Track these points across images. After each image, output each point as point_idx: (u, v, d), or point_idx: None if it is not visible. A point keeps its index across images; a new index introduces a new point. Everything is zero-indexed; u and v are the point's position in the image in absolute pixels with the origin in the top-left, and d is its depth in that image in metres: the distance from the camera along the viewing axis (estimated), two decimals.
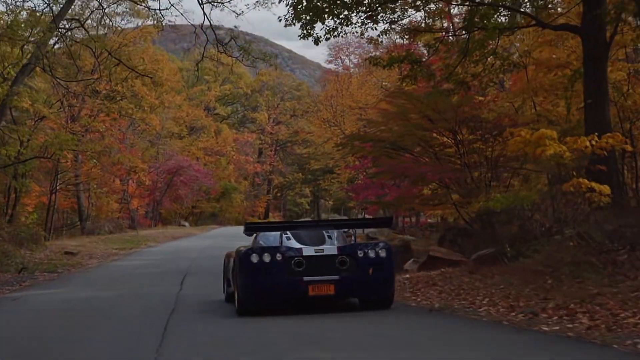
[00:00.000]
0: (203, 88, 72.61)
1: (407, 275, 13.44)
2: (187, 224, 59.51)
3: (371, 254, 9.08)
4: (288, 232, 9.65)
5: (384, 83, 38.20)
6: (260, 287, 8.94)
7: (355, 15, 18.09)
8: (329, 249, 9.18)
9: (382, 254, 9.12)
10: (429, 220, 38.08)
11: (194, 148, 63.90)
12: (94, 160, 36.60)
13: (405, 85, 19.21)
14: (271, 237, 9.99)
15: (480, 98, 19.26)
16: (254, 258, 8.93)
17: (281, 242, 9.33)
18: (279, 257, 8.91)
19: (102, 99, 38.83)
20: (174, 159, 54.04)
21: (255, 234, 10.51)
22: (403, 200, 23.12)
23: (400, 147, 19.83)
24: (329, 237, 9.75)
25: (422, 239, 30.06)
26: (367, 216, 48.05)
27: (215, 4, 24.60)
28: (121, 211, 50.61)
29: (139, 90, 39.66)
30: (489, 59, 17.84)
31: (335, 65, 50.38)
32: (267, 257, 8.91)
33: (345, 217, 46.28)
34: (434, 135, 19.44)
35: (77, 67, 26.06)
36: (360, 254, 9.07)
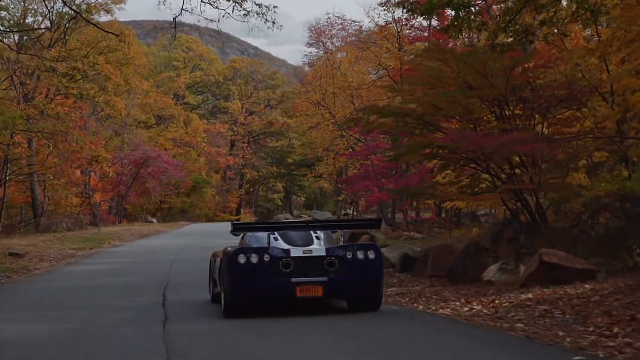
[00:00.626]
0: (172, 75, 67.57)
1: (527, 296, 9.00)
2: (154, 220, 54.64)
3: (360, 255, 9.01)
4: (276, 232, 9.48)
5: (383, 57, 33.90)
6: (248, 289, 8.88)
7: None
8: (317, 250, 9.10)
9: (371, 255, 9.06)
10: (424, 215, 33.76)
11: (162, 138, 58.97)
12: (49, 146, 31.64)
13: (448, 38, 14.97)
14: (259, 238, 9.70)
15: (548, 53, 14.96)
16: (242, 259, 8.86)
17: (269, 243, 9.18)
18: (266, 258, 8.86)
19: (60, 77, 33.94)
20: (140, 149, 49.10)
21: (242, 234, 10.35)
22: (428, 188, 18.91)
23: (428, 122, 15.68)
24: (317, 237, 9.60)
25: (432, 236, 26.10)
26: (355, 213, 43.85)
27: None
28: (82, 206, 45.65)
29: (102, 68, 34.81)
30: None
31: (316, 48, 46.04)
32: (254, 258, 8.84)
33: (330, 217, 41.84)
34: (476, 106, 15.32)
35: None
36: (348, 255, 9.00)
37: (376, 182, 30.00)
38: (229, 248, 9.96)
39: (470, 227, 26.84)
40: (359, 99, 35.75)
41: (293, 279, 8.81)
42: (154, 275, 15.88)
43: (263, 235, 9.57)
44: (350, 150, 35.91)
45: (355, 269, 8.96)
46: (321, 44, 44.36)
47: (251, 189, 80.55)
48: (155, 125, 61.51)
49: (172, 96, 64.51)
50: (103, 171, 43.65)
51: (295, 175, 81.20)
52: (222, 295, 9.35)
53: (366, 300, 9.32)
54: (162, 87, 64.60)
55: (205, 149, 65.18)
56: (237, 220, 74.23)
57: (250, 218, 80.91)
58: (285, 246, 9.16)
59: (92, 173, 47.10)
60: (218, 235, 31.13)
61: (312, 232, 9.76)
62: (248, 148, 74.72)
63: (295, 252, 9.00)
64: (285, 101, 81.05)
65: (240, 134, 72.86)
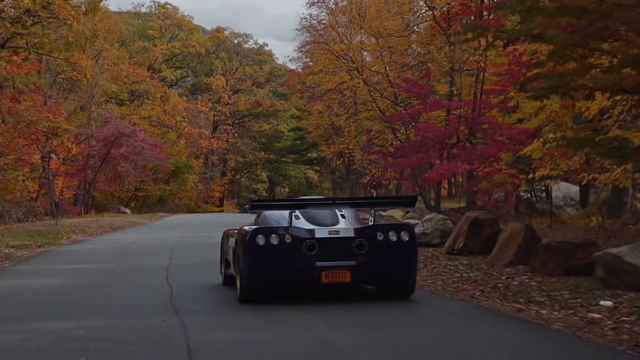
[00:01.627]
0: (147, 45, 59.07)
1: None
2: (128, 211, 46.35)
3: (392, 236, 8.09)
4: (297, 210, 8.44)
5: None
6: (267, 273, 8.00)
7: None
8: (345, 230, 8.19)
9: (405, 236, 8.14)
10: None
11: (136, 117, 50.68)
12: None
13: None
14: (278, 216, 8.95)
15: None
16: (260, 240, 7.95)
17: (290, 222, 8.24)
18: (288, 239, 7.94)
19: (4, 21, 25.71)
20: (112, 124, 40.78)
21: (258, 213, 9.39)
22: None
23: None
24: (343, 216, 8.69)
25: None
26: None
27: None
28: (42, 193, 37.47)
29: (58, 9, 26.52)
30: None
31: (317, 8, 38.17)
32: (275, 239, 7.95)
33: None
34: None
35: None
36: (379, 236, 8.08)
37: (426, 157, 22.24)
38: (246, 227, 8.63)
39: (532, 216, 19.53)
40: (391, 54, 28.16)
41: (318, 263, 7.90)
42: (140, 311, 7.95)
43: (283, 213, 8.73)
44: (388, 114, 27.98)
45: (387, 251, 8.06)
46: (322, 3, 36.29)
47: (237, 177, 72.47)
48: (128, 102, 53.24)
49: (147, 68, 56.02)
50: (64, 149, 35.38)
51: (283, 163, 73.52)
52: (238, 279, 8.47)
53: (398, 287, 8.45)
54: (135, 57, 56.15)
55: (186, 129, 56.95)
56: (220, 211, 66.27)
57: (232, 210, 73.21)
58: (309, 226, 8.25)
59: (53, 155, 38.93)
60: (217, 227, 23.53)
61: (336, 210, 8.76)
62: (233, 131, 66.60)
63: (321, 232, 8.06)
64: (273, 80, 73.18)
65: (224, 114, 64.65)
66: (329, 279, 7.96)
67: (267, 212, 9.27)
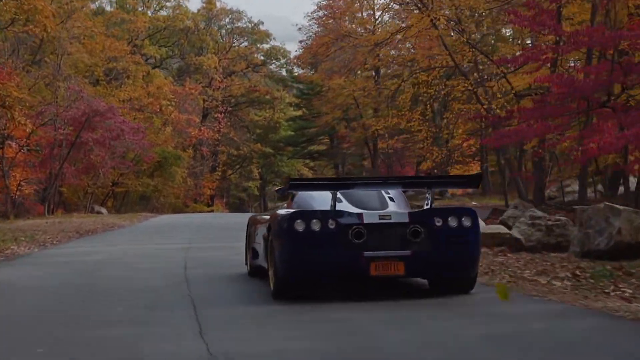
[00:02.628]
0: (126, 17, 50.46)
1: None
2: (104, 210, 37.87)
3: (452, 222, 6.99)
4: (338, 192, 7.29)
5: None
6: (307, 264, 6.93)
7: None
8: (398, 215, 7.10)
9: (466, 222, 7.02)
10: None
11: (114, 99, 42.11)
12: None
13: None
14: (317, 198, 7.82)
15: None
16: (299, 225, 6.82)
17: (334, 205, 7.08)
18: (332, 224, 6.85)
19: None
20: (83, 101, 32.30)
21: (291, 195, 8.41)
22: None
23: None
24: (391, 199, 7.73)
25: None
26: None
27: None
28: None
29: None
30: None
31: None
32: (316, 225, 6.83)
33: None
34: None
35: None
36: (438, 222, 6.98)
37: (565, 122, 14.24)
38: (281, 211, 7.73)
39: None
40: None
41: (366, 253, 6.86)
42: None
43: (323, 195, 7.62)
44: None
45: (446, 240, 7.00)
46: None
47: (229, 173, 64.21)
48: (104, 82, 44.76)
49: (127, 43, 47.46)
50: (21, 130, 27.07)
51: (279, 157, 65.37)
52: (271, 271, 7.48)
53: (457, 280, 7.32)
54: (113, 29, 47.61)
55: (173, 115, 48.49)
56: (210, 211, 58.11)
57: (222, 210, 65.11)
58: (355, 210, 7.19)
59: (10, 143, 30.65)
60: (231, 232, 17.03)
61: (383, 192, 7.81)
62: (225, 120, 58.23)
63: (370, 217, 6.97)
64: (271, 62, 64.96)
65: (215, 99, 56.19)
66: (379, 271, 6.83)
67: (303, 194, 8.15)
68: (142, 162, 40.41)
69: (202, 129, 52.30)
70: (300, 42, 52.93)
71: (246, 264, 9.71)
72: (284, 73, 65.10)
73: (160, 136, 46.40)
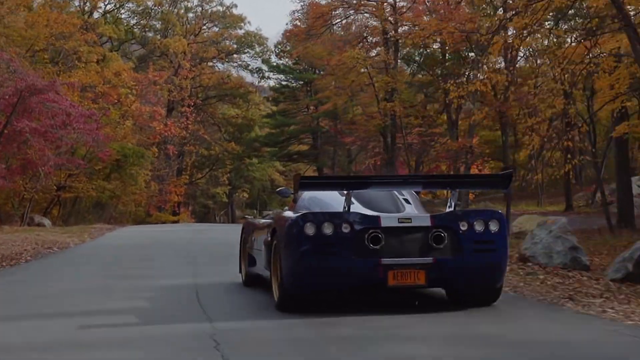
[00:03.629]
0: None
1: None
2: (47, 222, 29.44)
3: (478, 226, 6.36)
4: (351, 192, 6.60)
5: None
6: (318, 273, 6.25)
7: None
8: (419, 218, 6.52)
9: (493, 226, 6.39)
10: None
11: (62, 87, 33.79)
12: None
13: None
14: (326, 199, 7.25)
15: None
16: (310, 229, 6.18)
17: (348, 207, 6.46)
18: (345, 228, 6.19)
19: None
20: (17, 74, 23.97)
21: (297, 194, 7.63)
22: None
23: None
24: (407, 201, 7.22)
25: None
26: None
27: None
28: None
29: None
30: None
31: None
32: (328, 228, 6.19)
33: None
34: None
35: None
36: (462, 226, 6.34)
37: None
38: (289, 212, 7.18)
39: None
40: None
41: (384, 260, 6.20)
42: None
43: (333, 195, 7.12)
44: None
45: (472, 246, 6.34)
46: None
47: (199, 176, 56.20)
48: (49, 63, 36.43)
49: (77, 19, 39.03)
50: None
51: (258, 158, 57.68)
52: (276, 280, 6.75)
53: (482, 291, 6.71)
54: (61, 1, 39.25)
55: (134, 106, 40.24)
56: (176, 221, 49.99)
57: (188, 220, 57.04)
58: (371, 212, 6.60)
59: None
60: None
61: (396, 193, 7.26)
62: (193, 115, 50.13)
63: (388, 220, 6.33)
64: (245, 50, 57.00)
65: (183, 89, 48.01)
66: (398, 280, 6.23)
67: (309, 194, 7.49)
68: (97, 161, 32.12)
69: (169, 123, 44.10)
70: (293, 12, 45.13)
71: (240, 272, 8.96)
72: (260, 64, 57.33)
73: (118, 131, 38.14)
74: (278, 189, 8.74)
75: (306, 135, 56.21)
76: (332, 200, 7.07)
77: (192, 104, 49.77)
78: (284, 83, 55.89)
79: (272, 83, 58.02)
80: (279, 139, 56.16)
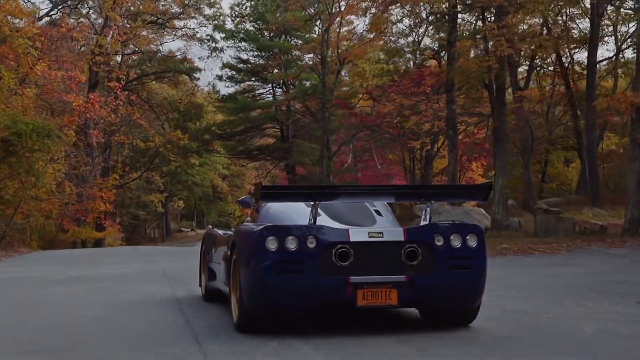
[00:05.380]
0: None
1: None
2: None
3: (455, 242, 5.75)
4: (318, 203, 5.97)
5: None
6: (280, 292, 5.54)
7: None
8: (391, 232, 5.83)
9: (472, 241, 5.80)
10: None
11: None
12: None
13: None
14: (289, 212, 6.62)
15: None
16: (272, 243, 5.51)
17: (314, 220, 5.79)
18: (311, 243, 5.53)
19: None
20: None
21: (258, 205, 7.28)
22: None
23: None
24: (378, 213, 6.62)
25: None
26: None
27: None
28: None
29: None
30: None
31: None
32: (292, 243, 5.52)
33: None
34: None
35: None
36: (438, 241, 5.71)
37: None
38: (249, 225, 6.39)
39: None
40: None
41: (353, 278, 5.55)
42: None
43: (297, 207, 6.50)
44: None
45: (447, 262, 5.70)
46: None
47: (134, 178, 42.68)
48: None
49: None
50: None
51: (211, 152, 44.99)
52: (235, 299, 6.13)
53: (459, 311, 6.04)
54: None
55: (38, 68, 26.61)
56: (101, 238, 36.84)
57: (115, 233, 44.06)
58: (339, 225, 6.00)
59: None
60: None
61: (368, 205, 6.71)
62: (125, 94, 36.64)
63: (357, 234, 5.66)
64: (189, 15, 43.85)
65: (110, 54, 34.54)
66: (368, 300, 5.58)
67: (273, 206, 6.96)
68: None
69: (92, 97, 30.48)
70: None
71: (200, 285, 8.40)
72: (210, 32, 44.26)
73: (14, 101, 24.58)
74: (240, 199, 7.77)
75: (272, 125, 43.68)
76: (298, 211, 6.41)
77: (124, 78, 36.40)
78: (243, 57, 43.19)
79: (228, 58, 45.57)
80: (236, 130, 43.38)
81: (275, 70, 42.03)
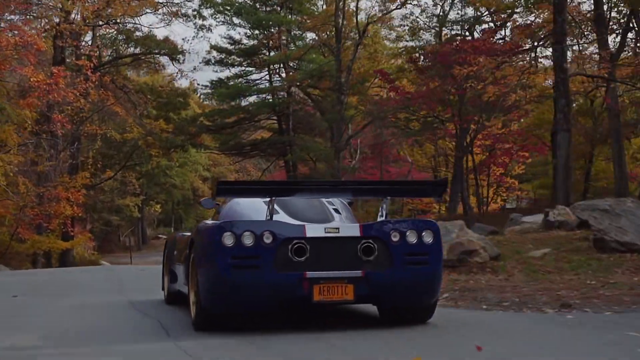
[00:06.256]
0: None
1: None
2: None
3: (411, 237, 5.75)
4: (277, 199, 6.07)
5: None
6: (237, 288, 5.49)
7: None
8: (348, 228, 5.86)
9: (428, 238, 5.80)
10: None
11: None
12: None
13: None
14: (249, 207, 6.63)
15: None
16: (228, 239, 5.47)
17: (271, 215, 5.83)
18: (268, 239, 5.51)
19: None
20: None
21: (220, 202, 7.45)
22: None
23: None
24: (337, 211, 6.69)
25: None
26: None
27: None
28: None
29: None
30: None
31: None
32: (248, 239, 5.49)
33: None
34: None
35: None
36: (394, 237, 5.70)
37: None
38: (207, 222, 6.38)
39: None
40: None
41: (309, 274, 5.55)
42: None
43: (257, 203, 6.48)
44: None
45: (404, 258, 5.69)
46: None
47: (109, 177, 36.40)
48: None
49: None
50: None
51: (199, 147, 39.04)
52: (192, 295, 6.13)
53: (415, 307, 6.09)
54: None
55: None
56: (69, 248, 30.82)
57: (86, 242, 38.08)
58: (295, 221, 5.95)
59: None
60: None
61: (325, 202, 6.75)
62: (97, 75, 30.38)
63: (314, 230, 5.64)
64: None
65: (78, 24, 28.33)
66: (324, 295, 5.56)
67: (233, 203, 6.96)
68: None
69: (56, 72, 24.19)
70: None
71: (163, 289, 8.43)
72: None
73: None
74: (201, 200, 7.71)
75: (269, 115, 37.72)
76: (257, 208, 6.39)
77: (95, 56, 30.19)
78: (235, 37, 37.19)
79: (217, 39, 39.59)
80: (227, 121, 37.44)
81: (272, 53, 36.17)
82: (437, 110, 22.64)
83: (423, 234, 5.78)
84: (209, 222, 6.38)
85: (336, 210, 6.66)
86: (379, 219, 6.06)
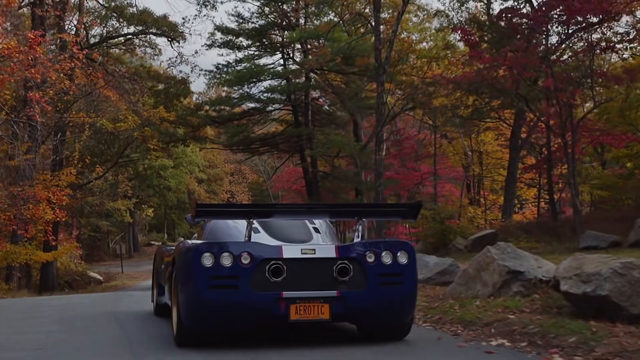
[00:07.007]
0: None
1: None
2: None
3: (386, 258, 5.93)
4: (255, 220, 6.45)
5: None
6: (215, 307, 5.65)
7: None
8: (324, 249, 5.97)
9: (402, 258, 5.96)
10: None
11: None
12: None
13: None
14: (231, 228, 6.99)
15: None
16: (207, 260, 5.64)
17: (249, 236, 6.03)
18: (245, 259, 5.65)
19: None
20: None
21: (201, 224, 7.78)
22: None
23: None
24: (316, 230, 6.96)
25: None
26: None
27: None
28: None
29: None
30: None
31: None
32: (227, 259, 5.65)
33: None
34: None
35: None
36: (369, 258, 5.88)
37: None
38: (188, 241, 6.43)
39: None
40: None
41: (286, 294, 5.69)
42: None
43: (238, 224, 6.84)
44: None
45: (379, 278, 5.87)
46: None
47: (99, 175, 31.37)
48: None
49: None
50: None
51: (200, 140, 34.21)
52: (175, 313, 6.23)
53: (391, 326, 6.25)
54: None
55: None
56: (50, 260, 25.85)
57: (72, 251, 33.22)
58: (274, 242, 6.29)
59: None
60: None
61: (307, 222, 7.03)
62: (84, 54, 25.37)
63: (290, 251, 5.80)
64: None
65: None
66: (301, 315, 5.73)
67: (217, 222, 7.20)
68: None
69: (32, 39, 19.14)
70: None
71: (152, 301, 8.70)
72: None
73: None
74: (186, 216, 7.83)
75: (284, 104, 32.81)
76: (238, 228, 6.70)
77: (82, 29, 25.17)
78: (245, 15, 32.27)
79: (223, 17, 34.69)
80: (234, 112, 32.64)
81: (286, 32, 31.38)
82: (515, 88, 17.90)
83: (398, 254, 5.91)
84: (190, 241, 6.34)
85: (316, 230, 6.82)
86: (355, 240, 6.16)
